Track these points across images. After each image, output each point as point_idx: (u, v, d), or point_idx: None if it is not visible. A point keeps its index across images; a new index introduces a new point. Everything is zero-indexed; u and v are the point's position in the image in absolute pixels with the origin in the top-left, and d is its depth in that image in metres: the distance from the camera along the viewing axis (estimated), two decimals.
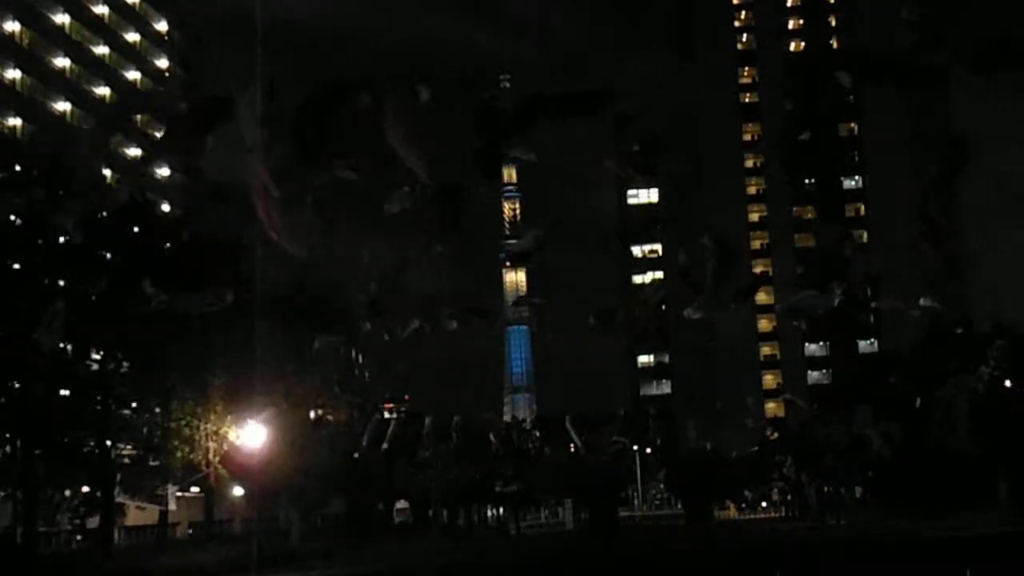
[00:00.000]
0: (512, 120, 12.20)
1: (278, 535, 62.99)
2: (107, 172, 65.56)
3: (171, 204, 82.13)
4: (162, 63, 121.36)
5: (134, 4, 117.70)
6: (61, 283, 42.07)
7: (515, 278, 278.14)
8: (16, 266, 42.18)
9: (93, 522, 52.69)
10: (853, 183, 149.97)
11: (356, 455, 64.52)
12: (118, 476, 51.52)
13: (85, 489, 52.38)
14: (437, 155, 13.13)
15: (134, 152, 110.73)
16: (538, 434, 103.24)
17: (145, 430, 49.60)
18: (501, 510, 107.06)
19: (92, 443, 47.76)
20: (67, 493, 52.06)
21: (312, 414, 59.71)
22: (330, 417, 61.57)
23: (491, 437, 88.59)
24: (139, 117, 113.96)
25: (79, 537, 55.61)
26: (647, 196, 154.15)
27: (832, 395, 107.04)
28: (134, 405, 48.43)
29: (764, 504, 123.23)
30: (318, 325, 48.14)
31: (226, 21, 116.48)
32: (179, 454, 50.21)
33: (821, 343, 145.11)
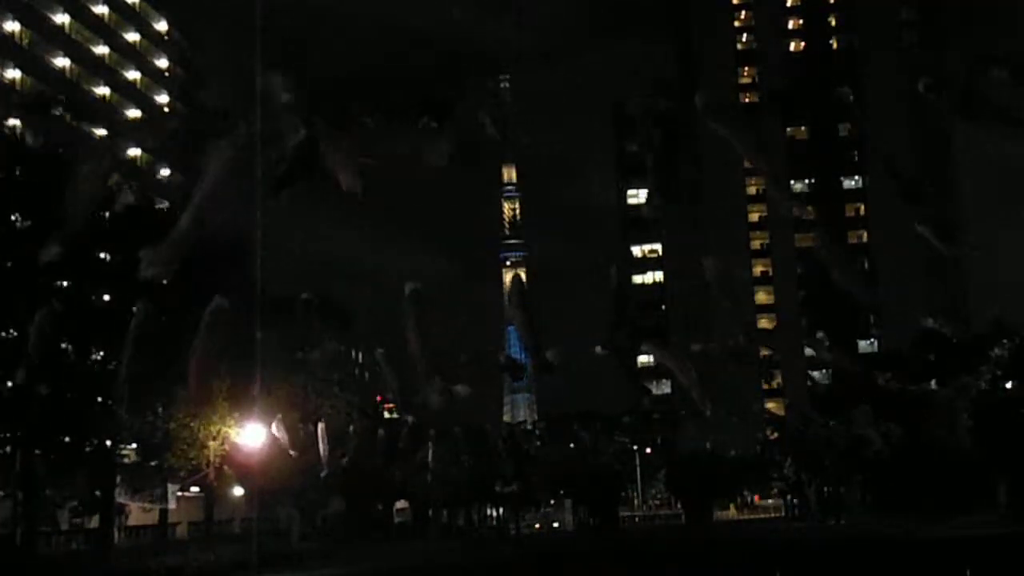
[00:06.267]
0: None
1: (278, 535, 63.02)
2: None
3: (171, 204, 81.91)
4: (162, 63, 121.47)
5: (134, 4, 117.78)
6: (64, 283, 42.04)
7: None
8: (16, 266, 42.13)
9: (94, 522, 52.73)
10: (853, 183, 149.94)
11: (355, 456, 64.44)
12: (118, 477, 51.52)
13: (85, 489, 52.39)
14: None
15: (133, 152, 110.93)
16: (538, 434, 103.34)
17: (146, 431, 49.52)
18: (501, 510, 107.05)
19: (93, 443, 47.72)
20: (67, 493, 52.07)
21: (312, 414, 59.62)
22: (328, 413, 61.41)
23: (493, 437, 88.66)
24: (139, 116, 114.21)
25: (80, 537, 55.64)
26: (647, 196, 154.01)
27: (832, 395, 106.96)
28: (135, 406, 48.29)
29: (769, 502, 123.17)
30: (319, 325, 47.88)
31: (225, 19, 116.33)
32: (182, 455, 50.18)
33: None
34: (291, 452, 43.11)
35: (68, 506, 53.31)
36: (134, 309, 13.11)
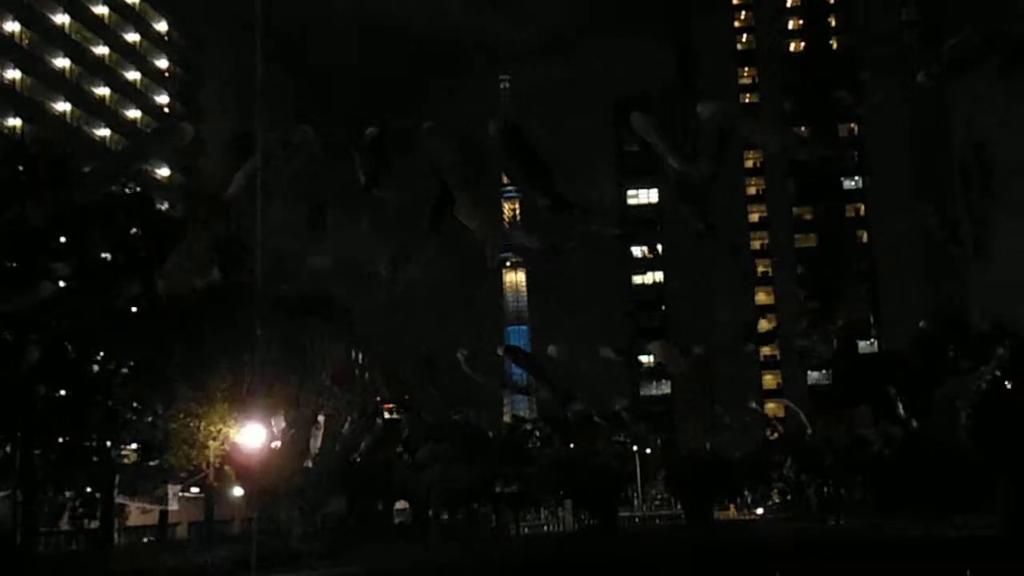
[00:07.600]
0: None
1: (278, 535, 62.93)
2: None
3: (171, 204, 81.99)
4: (162, 63, 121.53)
5: (134, 4, 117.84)
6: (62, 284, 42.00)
7: (515, 278, 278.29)
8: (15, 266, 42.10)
9: (94, 522, 52.70)
10: (853, 183, 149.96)
11: (356, 455, 64.51)
12: (117, 477, 51.49)
13: (86, 489, 52.37)
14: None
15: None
16: (538, 434, 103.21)
17: (147, 430, 49.54)
18: (500, 510, 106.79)
19: (93, 444, 47.72)
20: (68, 494, 52.05)
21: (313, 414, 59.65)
22: (323, 417, 61.49)
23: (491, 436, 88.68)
24: (138, 115, 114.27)
25: (80, 536, 55.63)
26: (647, 196, 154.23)
27: (832, 395, 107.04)
28: (136, 405, 48.33)
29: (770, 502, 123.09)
30: (319, 325, 48.13)
31: (225, 20, 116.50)
32: (182, 455, 50.18)
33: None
34: (276, 444, 43.17)
35: (68, 506, 53.25)
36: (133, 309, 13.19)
